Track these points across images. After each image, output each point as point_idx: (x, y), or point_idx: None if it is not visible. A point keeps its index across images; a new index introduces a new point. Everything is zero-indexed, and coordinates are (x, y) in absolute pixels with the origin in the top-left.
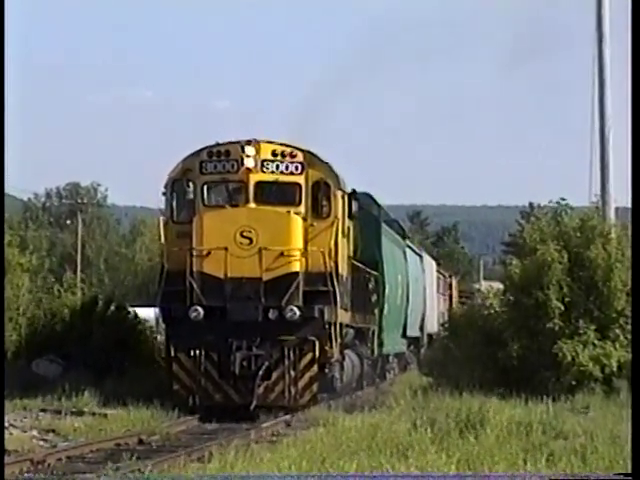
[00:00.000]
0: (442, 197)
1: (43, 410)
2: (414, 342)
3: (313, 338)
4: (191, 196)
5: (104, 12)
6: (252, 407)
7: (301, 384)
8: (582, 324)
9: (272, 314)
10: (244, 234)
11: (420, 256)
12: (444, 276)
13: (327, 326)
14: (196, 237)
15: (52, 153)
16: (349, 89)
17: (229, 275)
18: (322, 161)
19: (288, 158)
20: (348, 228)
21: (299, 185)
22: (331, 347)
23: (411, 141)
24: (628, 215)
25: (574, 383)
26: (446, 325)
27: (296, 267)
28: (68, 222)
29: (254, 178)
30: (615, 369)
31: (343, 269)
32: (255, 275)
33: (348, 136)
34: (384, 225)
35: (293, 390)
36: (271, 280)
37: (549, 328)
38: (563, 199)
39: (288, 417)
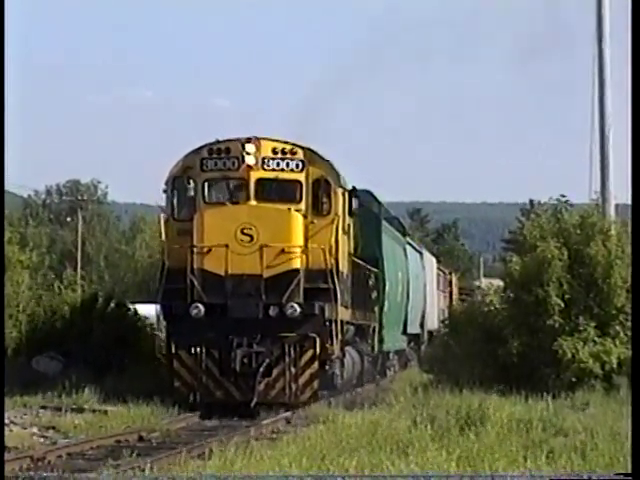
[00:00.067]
0: (442, 194)
1: (43, 407)
2: (414, 339)
3: (314, 335)
4: (192, 193)
5: (104, 12)
6: (253, 404)
7: (302, 381)
8: (582, 321)
9: (273, 311)
10: (245, 231)
11: (420, 253)
12: (444, 273)
13: (328, 323)
14: (197, 234)
15: (52, 151)
16: (349, 88)
17: (230, 272)
18: (322, 159)
19: (289, 155)
20: (348, 225)
21: (299, 182)
22: (332, 344)
23: (411, 139)
24: (628, 212)
25: (574, 380)
26: (446, 322)
27: (297, 264)
28: (68, 219)
29: (255, 175)
30: (615, 366)
31: (343, 266)
32: (256, 272)
33: (349, 135)
34: (384, 222)
35: (294, 387)
36: (272, 277)
37: (549, 325)
38: (563, 196)
39: (288, 414)
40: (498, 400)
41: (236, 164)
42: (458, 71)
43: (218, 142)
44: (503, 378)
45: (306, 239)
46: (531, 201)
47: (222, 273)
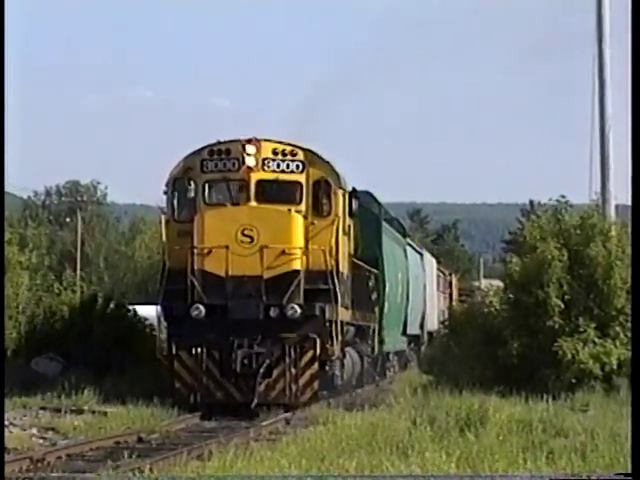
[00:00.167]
0: (442, 195)
1: (43, 408)
2: (414, 340)
3: (314, 336)
4: (192, 194)
5: (104, 12)
6: (253, 405)
7: (302, 382)
8: (582, 322)
9: (273, 312)
10: (245, 232)
11: (420, 254)
12: (444, 274)
13: (328, 324)
14: (197, 235)
15: (52, 152)
16: (349, 89)
17: (230, 273)
18: (323, 160)
19: (289, 157)
20: (349, 226)
21: (300, 183)
22: (332, 345)
23: (411, 139)
24: (628, 213)
25: (574, 381)
26: (446, 323)
27: (297, 265)
28: (68, 220)
29: (255, 176)
30: (615, 367)
31: (344, 267)
32: (256, 273)
33: (348, 135)
34: (384, 223)
35: (294, 388)
36: (272, 278)
37: (549, 326)
38: (563, 197)
39: (288, 415)
40: (498, 401)
41: (236, 165)
42: (458, 71)
43: (218, 143)
44: (503, 379)
45: (306, 240)
46: (531, 202)
47: (222, 274)
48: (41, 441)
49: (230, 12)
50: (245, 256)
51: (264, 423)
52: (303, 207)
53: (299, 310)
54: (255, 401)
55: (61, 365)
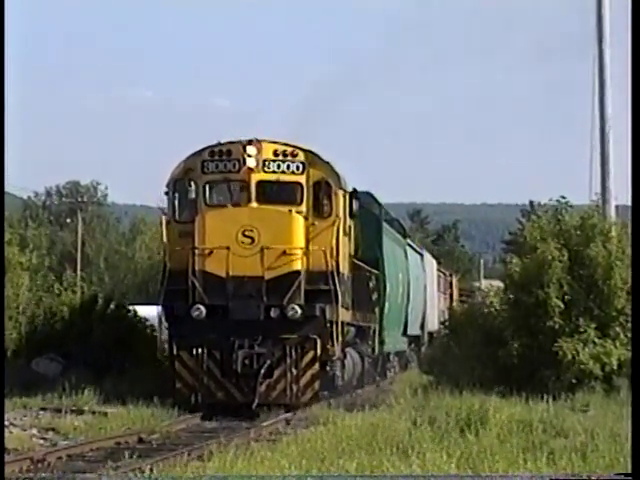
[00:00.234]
0: (442, 195)
1: (43, 409)
2: (415, 340)
3: (315, 336)
4: (193, 195)
5: (104, 12)
6: (254, 405)
7: (303, 382)
8: (582, 322)
9: (274, 313)
10: (246, 233)
11: (421, 255)
12: (444, 274)
13: (328, 324)
14: (198, 236)
15: (52, 152)
16: (349, 89)
17: (231, 274)
18: (323, 160)
19: (289, 157)
20: (349, 227)
21: (300, 184)
22: (332, 345)
23: (411, 140)
24: (628, 213)
25: (574, 381)
26: (446, 323)
27: (298, 266)
28: (68, 220)
29: (256, 177)
30: (615, 367)
31: (344, 268)
32: (257, 274)
33: (349, 135)
34: (385, 224)
35: (295, 388)
36: (273, 279)
37: (549, 326)
38: (563, 197)
39: (288, 415)
40: (498, 401)
41: (237, 166)
42: (458, 71)
43: (219, 144)
44: (503, 379)
45: (307, 241)
46: (531, 202)
47: (223, 275)
48: (41, 441)
49: (230, 12)
50: (246, 257)
51: (264, 423)
52: (304, 208)
53: (300, 311)
54: (256, 401)
55: (61, 365)
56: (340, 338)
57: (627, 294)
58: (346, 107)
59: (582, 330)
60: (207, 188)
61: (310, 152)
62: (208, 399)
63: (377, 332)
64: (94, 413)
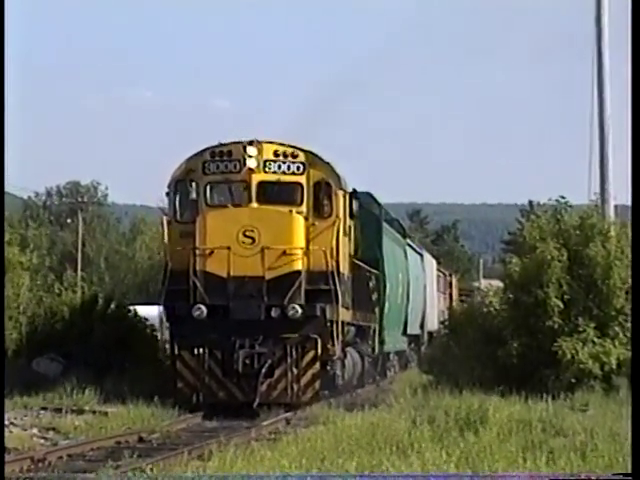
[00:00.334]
0: (442, 195)
1: (44, 408)
2: (414, 340)
3: (315, 336)
4: (194, 196)
5: (104, 12)
6: (255, 405)
7: (303, 381)
8: (582, 322)
9: (275, 312)
10: (247, 233)
11: (420, 255)
12: (444, 274)
13: (329, 324)
14: (199, 236)
15: (52, 152)
16: (349, 89)
17: (232, 274)
18: (323, 161)
19: (290, 158)
20: (349, 227)
21: (301, 185)
22: (333, 345)
23: (411, 140)
24: (627, 213)
25: (574, 381)
26: (446, 323)
27: (298, 266)
28: (68, 220)
29: (256, 178)
30: (614, 367)
31: (344, 268)
32: (258, 274)
33: (349, 135)
34: (385, 224)
35: (295, 387)
36: (273, 279)
37: (549, 326)
38: (563, 197)
39: (288, 415)
40: (498, 401)
41: (238, 167)
42: (458, 72)
43: (220, 145)
44: (503, 379)
45: (307, 241)
46: (530, 202)
47: (224, 275)
48: (42, 441)
49: (230, 12)
50: (247, 257)
51: (264, 423)
52: (304, 208)
53: (300, 310)
54: (257, 401)
55: (62, 365)
56: (340, 338)
57: (626, 294)
58: (346, 107)
59: (581, 329)
60: (208, 188)
61: (310, 153)
62: (209, 399)
63: (377, 332)
64: (94, 413)
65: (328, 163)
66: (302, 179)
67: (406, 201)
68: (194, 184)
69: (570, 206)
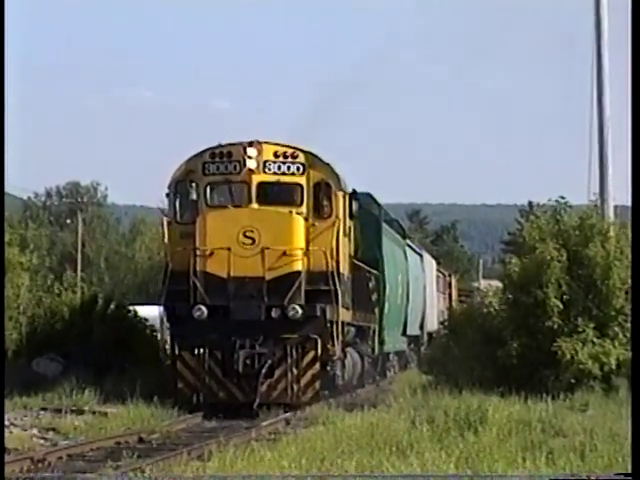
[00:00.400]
0: (441, 196)
1: (43, 409)
2: (414, 340)
3: (315, 336)
4: (194, 197)
5: (104, 12)
6: (255, 405)
7: (303, 382)
8: (581, 322)
9: (275, 313)
10: (247, 234)
11: (420, 255)
12: (444, 275)
13: (329, 324)
14: (199, 237)
15: (52, 152)
16: (349, 90)
17: (232, 274)
18: (323, 162)
19: (290, 159)
20: (349, 228)
21: (301, 186)
22: (333, 345)
23: (411, 140)
24: (627, 213)
25: (573, 381)
26: (446, 323)
27: (298, 266)
28: (68, 221)
29: (256, 179)
30: (614, 367)
31: (344, 268)
32: (258, 274)
33: (349, 136)
34: (384, 224)
35: (296, 388)
36: (274, 279)
37: (548, 326)
38: (562, 197)
39: (288, 415)
40: (497, 401)
41: (238, 168)
42: (458, 72)
43: (220, 146)
44: (502, 379)
45: (307, 242)
46: (530, 202)
47: (224, 275)
48: (42, 441)
49: (230, 12)
50: (247, 257)
51: (264, 423)
52: (304, 209)
53: (300, 311)
54: (257, 401)
55: (62, 366)
56: (340, 338)
57: (626, 294)
58: (346, 107)
59: (581, 330)
60: (208, 189)
61: (310, 153)
62: (209, 399)
63: (377, 332)
64: (94, 413)
65: (328, 164)
66: (302, 180)
67: (405, 201)
68: (194, 185)
69: (570, 206)
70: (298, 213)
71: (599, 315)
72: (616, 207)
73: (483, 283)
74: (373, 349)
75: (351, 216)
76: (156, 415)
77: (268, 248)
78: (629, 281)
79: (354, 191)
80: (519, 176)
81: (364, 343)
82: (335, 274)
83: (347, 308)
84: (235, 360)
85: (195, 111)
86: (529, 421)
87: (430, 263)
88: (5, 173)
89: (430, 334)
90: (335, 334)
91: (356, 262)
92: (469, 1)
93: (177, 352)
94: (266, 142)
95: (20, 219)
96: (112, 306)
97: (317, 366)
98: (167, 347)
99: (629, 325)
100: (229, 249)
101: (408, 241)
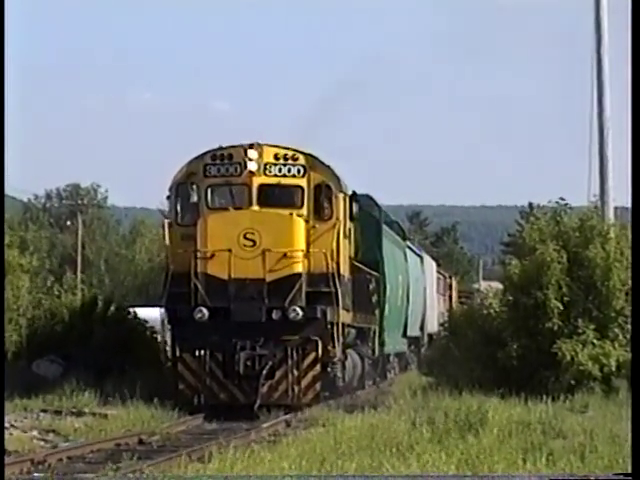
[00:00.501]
0: (441, 197)
1: (44, 410)
2: (414, 342)
3: (316, 338)
4: (195, 199)
5: (104, 13)
6: (256, 406)
7: (304, 383)
8: (581, 323)
9: (275, 314)
10: (247, 236)
11: (420, 257)
12: (444, 276)
13: (329, 326)
14: (200, 239)
15: (52, 154)
16: (349, 91)
17: (233, 276)
18: (323, 164)
19: (290, 161)
20: (349, 230)
21: (301, 188)
22: (333, 347)
23: (411, 142)
24: (627, 215)
25: (573, 382)
26: (446, 325)
27: (299, 268)
28: (68, 223)
29: (257, 181)
30: (614, 368)
31: (345, 270)
32: (259, 276)
33: (348, 137)
34: (385, 226)
35: (296, 389)
36: (274, 281)
37: (548, 328)
38: (562, 199)
39: (288, 417)
40: (497, 403)
41: (239, 170)
42: (457, 73)
43: (221, 148)
44: (502, 381)
45: (308, 243)
46: (530, 204)
47: (225, 277)
48: (42, 443)
49: (230, 13)
50: (247, 259)
51: (264, 425)
52: (304, 211)
53: (301, 312)
54: (258, 402)
55: (62, 367)
56: (341, 340)
57: (626, 295)
58: (346, 108)
59: (581, 331)
60: (209, 191)
61: (311, 156)
62: (210, 400)
63: (377, 333)
64: (94, 415)
65: (328, 166)
66: (302, 182)
67: (406, 203)
68: (195, 187)
69: (570, 208)
70: (299, 215)
71: (599, 316)
72: (616, 208)
73: (483, 284)
74: (373, 350)
75: (351, 218)
76: (156, 417)
77: (269, 250)
78: (629, 282)
79: (354, 193)
80: (519, 177)
81: (364, 345)
82: (335, 276)
83: (347, 310)
84: (236, 362)
85: (195, 112)
86: (529, 422)
87: (430, 265)
88: (5, 175)
89: (430, 335)
90: (336, 336)
91: (356, 264)
92: (469, 1)
93: (178, 354)
94: (267, 144)
95: (20, 221)
96: (112, 308)
97: (318, 367)
98: (168, 349)
99: (629, 326)
100: (230, 251)
101: (408, 243)
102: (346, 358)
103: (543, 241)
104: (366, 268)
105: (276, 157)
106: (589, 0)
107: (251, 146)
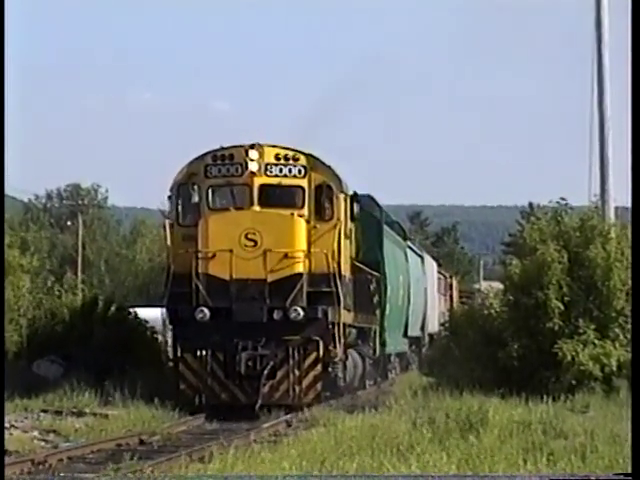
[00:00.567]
0: (442, 197)
1: (44, 411)
2: (415, 342)
3: (317, 338)
4: (196, 199)
5: (104, 13)
6: (257, 406)
7: (305, 383)
8: (582, 323)
9: (277, 315)
10: (249, 236)
11: (421, 257)
12: (445, 276)
13: (330, 326)
14: (201, 240)
15: (52, 154)
16: (350, 91)
17: (234, 277)
18: (324, 164)
19: (291, 161)
20: (350, 230)
21: (302, 188)
22: (334, 347)
23: (411, 142)
24: (627, 214)
25: (574, 382)
26: (447, 325)
27: (300, 268)
28: (69, 223)
29: (258, 181)
30: (615, 368)
31: (346, 270)
32: (260, 276)
33: (349, 137)
34: (385, 226)
35: (297, 389)
36: (275, 281)
37: (549, 328)
38: (563, 199)
39: (289, 417)
40: (498, 403)
41: (240, 170)
42: (458, 73)
43: (222, 149)
44: (503, 381)
45: (309, 244)
46: (531, 204)
47: (227, 278)
48: (42, 443)
49: (230, 13)
50: (249, 260)
51: (265, 425)
52: (305, 211)
53: (302, 313)
54: (259, 402)
55: (62, 368)
56: (342, 340)
57: (626, 295)
58: (346, 108)
59: (582, 331)
60: (210, 192)
61: (311, 156)
62: (212, 400)
63: (378, 333)
64: (95, 415)
65: (329, 166)
66: (303, 182)
67: (406, 203)
68: (196, 187)
69: (570, 208)
70: (300, 215)
71: (600, 316)
72: (617, 208)
73: (484, 284)
74: (374, 350)
75: (352, 218)
76: (157, 417)
77: (270, 250)
78: (629, 282)
79: (355, 193)
80: (519, 177)
81: (365, 345)
82: (336, 276)
83: (348, 310)
84: (237, 362)
85: (195, 112)
86: (530, 422)
87: (431, 265)
88: (5, 175)
89: (431, 335)
90: (337, 336)
91: (357, 264)
92: (469, 1)
93: (179, 354)
94: (268, 145)
95: (21, 221)
96: (113, 308)
97: (319, 367)
98: (169, 349)
99: (630, 326)
100: (231, 251)
101: (409, 243)
102: (347, 358)
103: (544, 241)
104: (367, 268)
105: (277, 157)
106: (589, 0)
107: (252, 146)
